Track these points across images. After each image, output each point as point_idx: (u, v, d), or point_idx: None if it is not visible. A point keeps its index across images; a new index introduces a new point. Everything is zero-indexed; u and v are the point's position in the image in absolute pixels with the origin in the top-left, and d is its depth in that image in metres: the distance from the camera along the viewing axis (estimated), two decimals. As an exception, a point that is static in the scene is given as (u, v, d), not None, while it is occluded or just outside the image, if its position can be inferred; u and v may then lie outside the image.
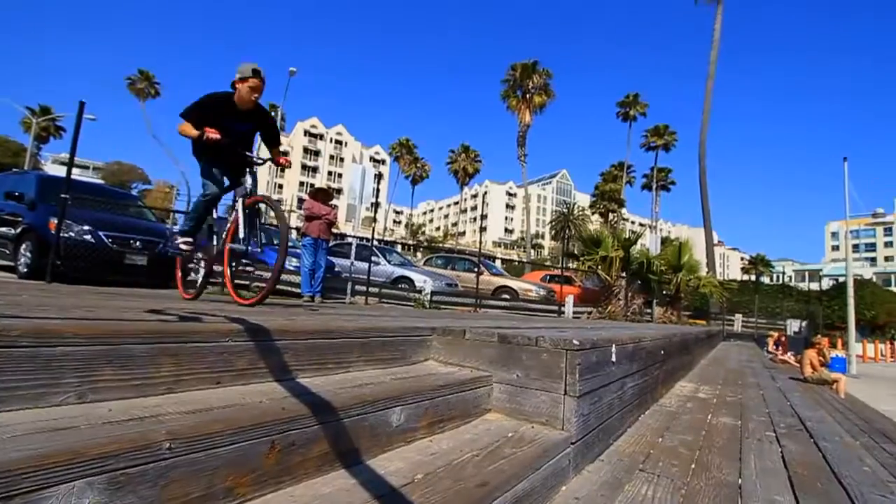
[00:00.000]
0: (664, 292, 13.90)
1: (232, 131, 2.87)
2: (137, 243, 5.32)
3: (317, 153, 73.13)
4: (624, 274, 11.87)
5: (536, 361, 1.53)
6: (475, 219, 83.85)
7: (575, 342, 1.44)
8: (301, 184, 70.08)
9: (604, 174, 47.40)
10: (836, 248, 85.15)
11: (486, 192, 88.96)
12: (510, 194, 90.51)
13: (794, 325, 21.11)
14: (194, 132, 2.76)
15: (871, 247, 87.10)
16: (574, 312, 11.13)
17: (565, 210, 46.17)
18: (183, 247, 3.02)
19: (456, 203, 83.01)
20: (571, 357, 1.45)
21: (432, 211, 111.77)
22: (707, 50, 22.09)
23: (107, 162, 49.62)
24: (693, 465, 1.69)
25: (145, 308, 1.64)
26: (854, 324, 15.23)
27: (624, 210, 51.22)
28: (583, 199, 69.29)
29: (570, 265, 14.33)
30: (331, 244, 9.67)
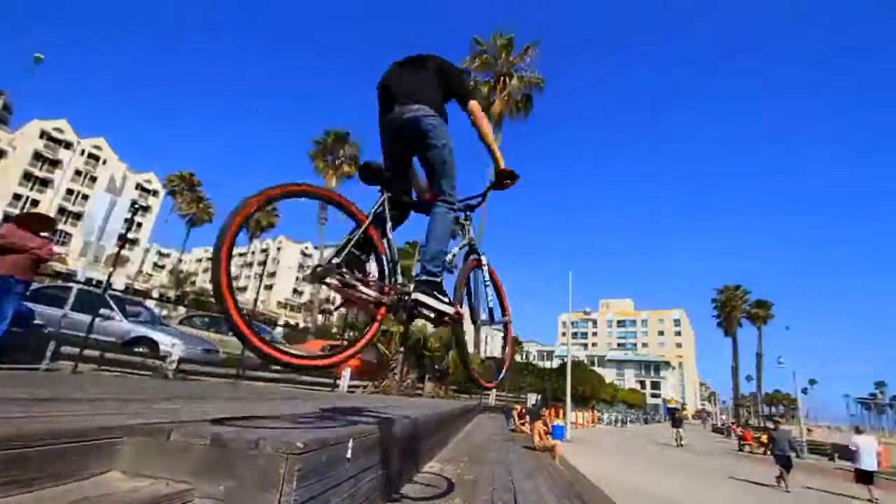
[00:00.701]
0: (436, 367, 15.09)
1: None
2: None
3: (55, 163, 56.66)
4: (402, 349, 12.46)
5: (253, 469, 1.32)
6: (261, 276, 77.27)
7: (298, 444, 1.31)
8: (17, 196, 52.46)
9: (399, 251, 50.89)
10: (564, 334, 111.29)
11: (279, 248, 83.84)
12: (305, 255, 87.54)
13: (532, 399, 25.69)
14: None
15: (584, 335, 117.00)
16: (351, 386, 10.88)
17: (359, 278, 47.08)
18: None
19: (241, 255, 75.03)
20: (292, 462, 1.30)
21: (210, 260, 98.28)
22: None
23: None
24: (412, 566, 1.68)
25: None
26: (570, 397, 19.46)
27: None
28: (376, 270, 72.23)
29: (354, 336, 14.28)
30: (42, 286, 7.18)
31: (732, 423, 44.21)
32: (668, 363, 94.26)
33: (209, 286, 1.79)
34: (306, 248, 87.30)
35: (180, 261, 56.75)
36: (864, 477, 10.36)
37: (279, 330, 20.74)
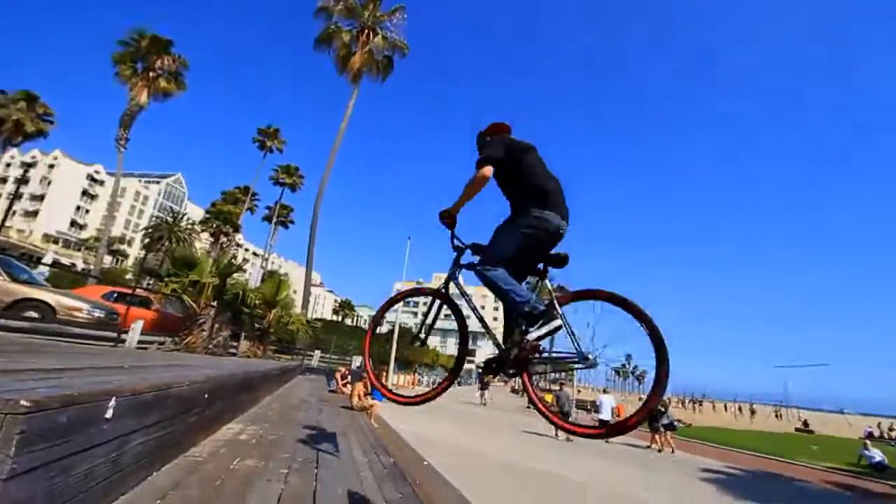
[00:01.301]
0: (256, 326, 13.95)
1: None
2: None
3: None
4: (215, 304, 11.11)
5: (-55, 434, 1.00)
6: (19, 196, 59.13)
7: (24, 403, 1.03)
8: None
9: (225, 194, 44.90)
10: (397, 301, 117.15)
11: (52, 166, 65.20)
12: (95, 180, 70.08)
13: (357, 361, 26.15)
14: None
15: (416, 304, 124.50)
16: (143, 342, 9.28)
17: (170, 218, 40.11)
18: None
19: (-10, 166, 55.78)
20: (12, 423, 1.02)
21: (-68, 165, 70.61)
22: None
23: None
24: (182, 529, 1.54)
25: None
26: (394, 360, 20.40)
27: (240, 235, 49.81)
28: (196, 212, 62.63)
29: (156, 285, 12.12)
30: None
31: (526, 386, 52.99)
32: (484, 334, 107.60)
33: None
34: (97, 171, 69.72)
35: None
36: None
37: (42, 269, 16.26)
